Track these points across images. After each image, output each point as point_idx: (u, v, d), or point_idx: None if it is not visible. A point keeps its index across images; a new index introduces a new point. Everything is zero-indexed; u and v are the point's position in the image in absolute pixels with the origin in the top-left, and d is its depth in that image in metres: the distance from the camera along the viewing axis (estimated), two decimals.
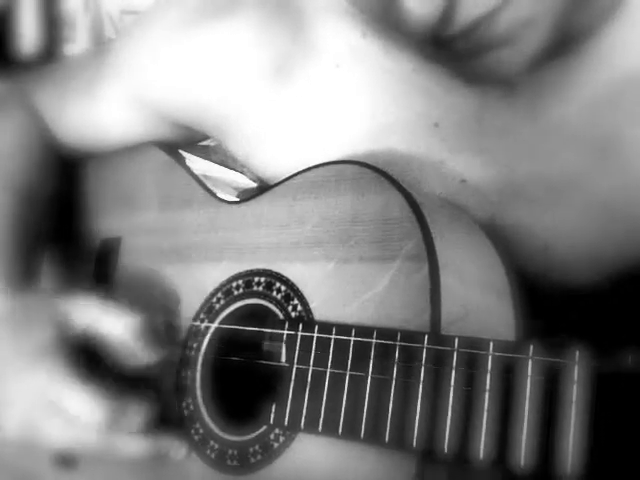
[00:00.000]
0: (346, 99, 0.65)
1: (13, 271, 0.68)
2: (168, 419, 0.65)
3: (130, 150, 0.79)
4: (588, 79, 0.59)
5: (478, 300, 0.56)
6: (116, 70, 0.76)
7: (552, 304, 0.62)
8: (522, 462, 0.42)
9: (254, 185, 0.91)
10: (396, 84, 0.63)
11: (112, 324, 0.63)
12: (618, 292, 0.62)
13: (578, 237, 0.61)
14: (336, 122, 0.65)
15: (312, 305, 0.58)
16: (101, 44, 1.31)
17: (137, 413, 0.61)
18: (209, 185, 0.72)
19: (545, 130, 0.61)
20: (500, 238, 0.60)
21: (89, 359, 0.64)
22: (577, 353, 0.42)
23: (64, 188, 0.82)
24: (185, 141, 0.79)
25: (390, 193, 0.56)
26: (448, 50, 0.52)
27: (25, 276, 0.69)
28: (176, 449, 0.62)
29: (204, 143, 0.90)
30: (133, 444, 0.62)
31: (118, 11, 1.33)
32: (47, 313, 0.64)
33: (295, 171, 0.63)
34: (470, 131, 0.62)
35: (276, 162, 0.68)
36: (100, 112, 0.78)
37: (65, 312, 0.64)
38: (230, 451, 0.60)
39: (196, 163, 0.79)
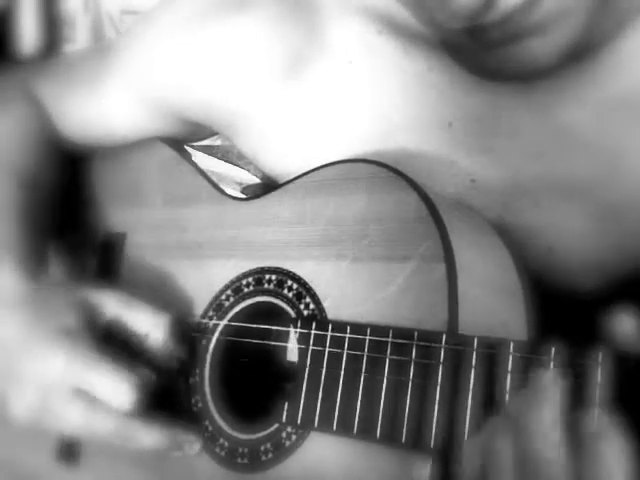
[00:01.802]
0: (359, 97, 0.65)
1: (28, 257, 0.68)
2: (177, 417, 0.65)
3: (135, 145, 0.78)
4: (602, 86, 0.59)
5: (491, 300, 0.56)
6: (123, 65, 0.76)
7: (554, 306, 0.63)
8: None
9: (258, 181, 0.90)
10: (411, 83, 0.63)
11: (143, 320, 0.64)
12: (620, 296, 0.62)
13: (582, 241, 0.62)
14: (348, 120, 0.65)
15: (325, 304, 0.58)
16: (104, 41, 1.30)
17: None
18: (216, 181, 0.72)
19: (556, 132, 0.61)
20: (505, 238, 0.60)
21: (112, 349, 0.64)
22: (600, 354, 0.42)
23: (67, 181, 0.82)
24: (192, 137, 0.79)
25: (406, 193, 0.56)
26: (480, 39, 0.52)
27: (38, 263, 0.69)
28: (191, 443, 0.62)
29: (208, 143, 0.90)
30: (150, 434, 0.61)
31: (118, 11, 1.32)
32: (73, 298, 0.64)
33: (303, 168, 0.63)
34: (482, 131, 0.62)
35: (285, 159, 0.68)
36: (105, 107, 0.78)
37: (93, 300, 0.64)
38: (240, 449, 0.60)
39: (202, 160, 0.79)
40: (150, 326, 0.64)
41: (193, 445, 0.62)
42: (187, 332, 0.66)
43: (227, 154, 0.91)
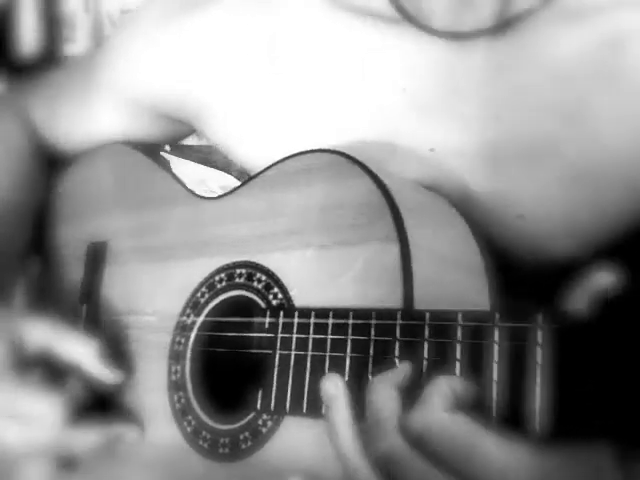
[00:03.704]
0: (317, 80, 0.66)
1: None
2: (159, 414, 0.67)
3: (108, 153, 0.81)
4: (556, 45, 0.60)
5: (451, 277, 0.57)
6: (104, 73, 0.80)
7: (527, 277, 0.64)
8: (493, 420, 0.44)
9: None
10: (365, 54, 0.64)
11: (71, 351, 0.66)
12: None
13: (551, 204, 0.62)
14: (310, 105, 0.66)
15: (292, 293, 0.60)
16: (97, 45, 1.32)
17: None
18: (187, 183, 0.74)
19: (512, 93, 0.61)
20: (474, 208, 0.61)
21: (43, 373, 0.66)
22: (540, 317, 0.43)
23: (48, 196, 0.85)
24: (176, 136, 0.82)
25: (360, 179, 0.57)
26: None
27: None
28: (128, 432, 0.67)
29: (187, 143, 0.92)
30: (86, 436, 0.65)
31: (118, 11, 1.34)
32: (1, 331, 0.66)
33: (274, 159, 0.65)
34: (438, 94, 0.63)
35: (258, 152, 0.70)
36: (92, 116, 0.82)
37: (20, 331, 0.66)
38: (222, 440, 0.62)
39: (182, 166, 0.81)
40: (79, 356, 0.66)
41: (132, 433, 0.67)
42: (124, 353, 0.70)
43: (209, 156, 0.93)
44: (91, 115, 0.82)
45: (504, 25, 0.59)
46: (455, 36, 0.60)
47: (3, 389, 0.64)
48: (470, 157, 0.63)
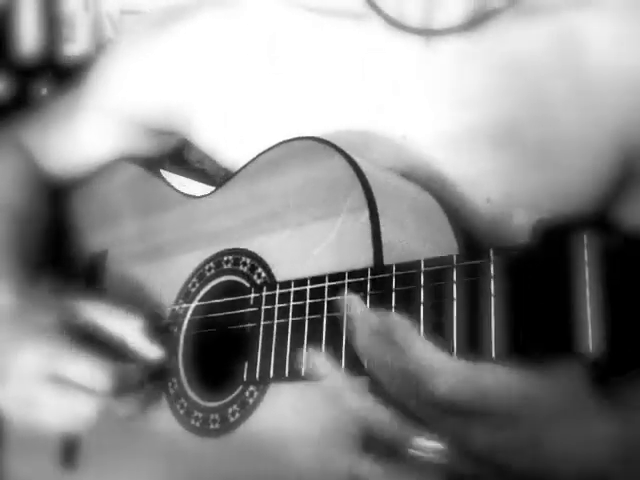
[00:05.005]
0: (296, 78, 0.71)
1: (18, 280, 0.76)
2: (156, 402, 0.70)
3: (103, 169, 0.86)
4: (515, 41, 0.65)
5: (421, 249, 0.60)
6: (90, 96, 0.85)
7: None
8: (455, 352, 0.47)
9: None
10: (335, 43, 0.69)
11: (114, 324, 0.70)
12: None
13: (517, 187, 0.65)
14: (289, 102, 0.71)
15: (274, 270, 0.63)
16: (100, 45, 1.37)
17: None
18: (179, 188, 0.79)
19: (481, 85, 0.66)
20: (446, 192, 0.65)
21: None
22: (491, 252, 0.46)
23: (54, 214, 0.90)
24: (162, 148, 0.87)
25: (334, 158, 0.61)
26: None
27: (27, 284, 0.76)
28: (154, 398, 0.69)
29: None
30: (125, 406, 0.68)
31: (118, 11, 1.36)
32: (53, 304, 0.71)
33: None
34: (413, 86, 0.67)
35: (237, 149, 0.74)
36: (80, 139, 0.87)
37: (71, 306, 0.70)
38: (212, 416, 0.64)
39: (181, 183, 0.86)
40: (125, 330, 0.70)
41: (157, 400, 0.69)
42: (161, 328, 0.72)
43: (201, 164, 0.98)
44: (79, 141, 0.87)
45: (473, 23, 0.64)
46: (428, 33, 0.65)
47: (50, 352, 0.67)
48: (441, 143, 0.67)
